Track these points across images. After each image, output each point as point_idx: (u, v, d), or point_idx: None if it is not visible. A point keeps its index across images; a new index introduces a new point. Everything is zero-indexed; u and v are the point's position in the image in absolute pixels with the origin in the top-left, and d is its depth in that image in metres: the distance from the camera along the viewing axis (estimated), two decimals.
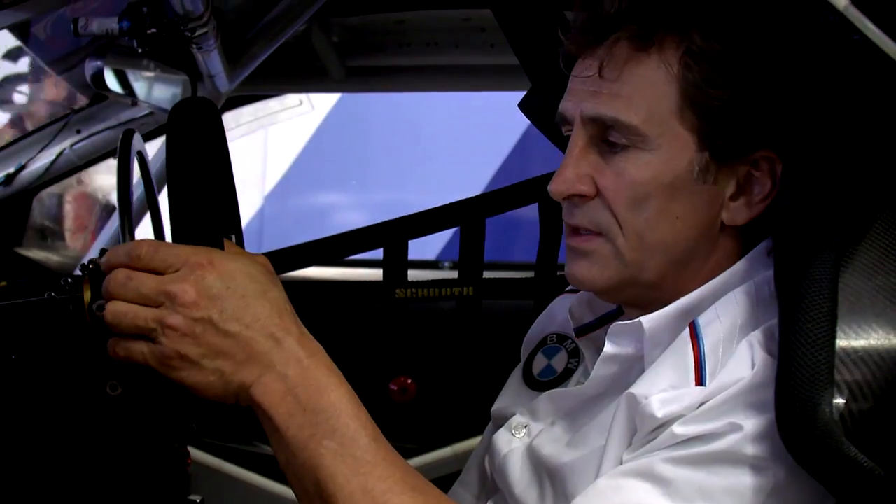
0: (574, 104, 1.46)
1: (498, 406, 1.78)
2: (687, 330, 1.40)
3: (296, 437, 1.26)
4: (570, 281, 1.53)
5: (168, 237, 1.43)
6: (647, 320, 1.44)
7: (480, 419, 1.89)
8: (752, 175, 1.43)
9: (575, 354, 1.70)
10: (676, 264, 1.46)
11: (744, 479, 1.25)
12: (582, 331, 1.66)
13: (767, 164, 1.42)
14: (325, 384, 1.28)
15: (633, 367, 1.48)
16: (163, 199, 1.55)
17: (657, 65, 1.40)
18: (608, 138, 1.43)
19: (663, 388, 1.35)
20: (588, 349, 1.64)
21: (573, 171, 1.45)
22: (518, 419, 1.64)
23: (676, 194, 1.41)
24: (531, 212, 2.44)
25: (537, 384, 1.71)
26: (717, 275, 1.46)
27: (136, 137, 1.49)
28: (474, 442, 3.12)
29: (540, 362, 1.75)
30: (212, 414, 1.36)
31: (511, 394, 1.77)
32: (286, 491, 1.30)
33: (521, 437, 1.61)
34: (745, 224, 1.45)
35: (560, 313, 1.76)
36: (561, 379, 1.69)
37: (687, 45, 1.39)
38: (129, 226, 1.40)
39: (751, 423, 1.25)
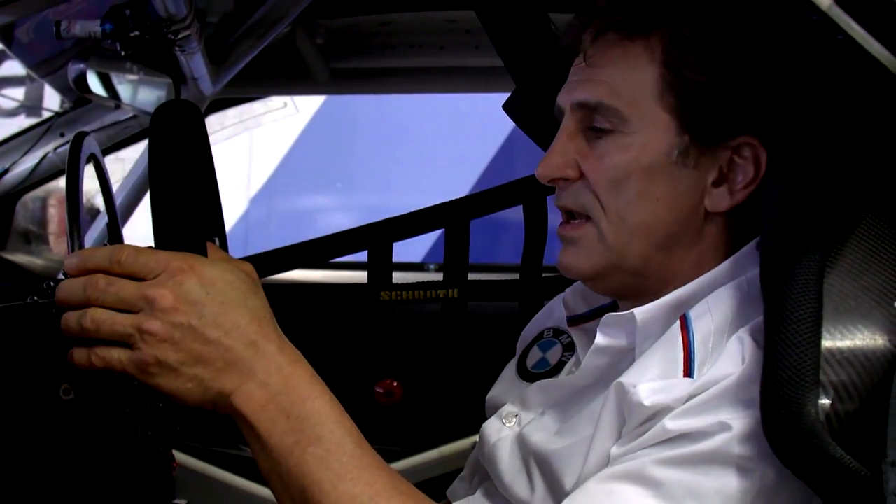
0: (566, 94, 1.51)
1: (491, 395, 1.79)
2: (678, 322, 1.41)
3: (280, 445, 1.26)
4: (560, 270, 1.55)
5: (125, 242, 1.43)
6: (640, 312, 1.45)
7: (467, 421, 1.89)
8: (734, 162, 1.44)
9: (570, 348, 1.70)
10: (659, 250, 1.47)
11: (733, 480, 1.25)
12: (575, 320, 1.66)
13: (751, 151, 1.43)
14: (307, 391, 1.28)
15: (624, 359, 1.48)
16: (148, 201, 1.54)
17: (642, 52, 1.44)
18: (594, 124, 1.47)
19: (652, 378, 1.36)
20: (581, 339, 1.64)
21: (560, 156, 1.49)
22: (509, 408, 1.65)
23: (656, 177, 1.44)
24: (516, 214, 2.44)
25: (530, 376, 1.71)
26: (704, 265, 1.47)
27: (89, 140, 1.48)
28: (461, 444, 3.12)
29: (535, 355, 1.76)
30: (196, 418, 1.35)
31: (505, 384, 1.78)
32: (271, 494, 1.30)
33: (511, 425, 1.61)
34: (728, 212, 1.46)
35: (558, 310, 1.76)
36: (554, 371, 1.69)
37: (672, 32, 1.42)
38: (77, 233, 1.39)
39: (740, 423, 1.25)
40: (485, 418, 1.73)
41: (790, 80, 1.41)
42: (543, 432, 1.53)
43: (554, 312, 1.79)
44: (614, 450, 1.36)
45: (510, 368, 1.80)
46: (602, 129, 1.46)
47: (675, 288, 1.47)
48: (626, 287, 1.54)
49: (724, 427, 1.25)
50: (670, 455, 1.27)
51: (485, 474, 1.69)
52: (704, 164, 1.44)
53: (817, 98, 1.39)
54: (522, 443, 1.55)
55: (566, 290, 1.71)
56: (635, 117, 1.44)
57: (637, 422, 1.34)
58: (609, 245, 1.47)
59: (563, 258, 1.53)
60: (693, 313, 1.40)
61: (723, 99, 1.41)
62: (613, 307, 1.60)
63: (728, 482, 1.25)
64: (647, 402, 1.32)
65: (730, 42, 1.40)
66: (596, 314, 1.61)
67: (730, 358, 1.30)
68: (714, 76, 1.40)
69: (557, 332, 1.75)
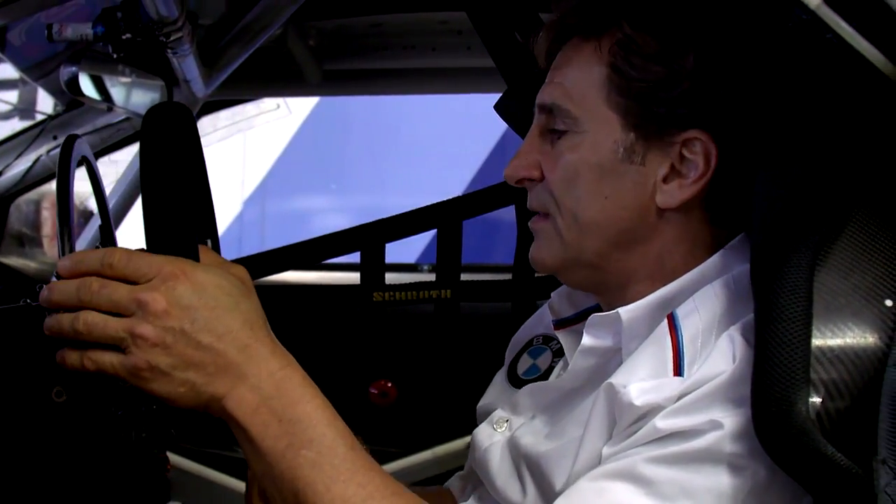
0: (538, 96, 1.54)
1: (482, 403, 1.79)
2: (665, 321, 1.41)
3: (272, 448, 1.26)
4: (531, 263, 1.58)
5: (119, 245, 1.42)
6: (625, 311, 1.45)
7: (461, 421, 1.89)
8: (685, 157, 1.44)
9: (560, 354, 1.69)
10: (615, 246, 1.49)
11: (725, 478, 1.25)
12: (562, 323, 1.66)
13: (701, 146, 1.43)
14: (299, 395, 1.28)
15: (612, 360, 1.49)
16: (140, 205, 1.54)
17: (592, 53, 1.47)
18: (553, 126, 1.50)
19: (642, 378, 1.36)
20: (568, 341, 1.64)
21: (524, 157, 1.53)
22: (499, 413, 1.65)
23: (604, 175, 1.46)
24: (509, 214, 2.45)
25: (520, 382, 1.71)
26: (666, 262, 1.48)
27: (80, 143, 1.47)
28: (455, 444, 3.12)
29: (525, 362, 1.75)
30: (190, 420, 1.35)
31: (495, 392, 1.77)
32: None
33: (501, 431, 1.62)
34: (685, 209, 1.46)
35: (547, 317, 1.76)
36: (544, 376, 1.69)
37: (619, 34, 1.44)
38: (68, 236, 1.39)
39: (731, 421, 1.25)
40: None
41: (739, 76, 1.42)
42: (533, 436, 1.53)
43: (543, 319, 1.79)
44: (605, 450, 1.36)
45: (500, 376, 1.79)
46: (559, 131, 1.49)
47: (637, 283, 1.49)
48: (590, 282, 1.56)
49: (716, 425, 1.25)
50: (662, 453, 1.28)
51: (477, 480, 1.69)
52: (653, 160, 1.44)
53: (804, 98, 1.39)
54: (513, 447, 1.55)
55: (552, 295, 1.71)
56: (584, 117, 1.46)
57: (628, 422, 1.34)
58: (565, 241, 1.50)
59: (531, 252, 1.57)
60: (680, 312, 1.40)
61: (666, 96, 1.42)
62: (599, 308, 1.60)
63: (719, 480, 1.25)
64: (637, 402, 1.32)
65: (673, 41, 1.42)
66: (582, 316, 1.61)
67: (721, 356, 1.30)
68: (656, 74, 1.41)
69: (547, 339, 1.75)
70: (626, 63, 1.43)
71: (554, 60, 1.54)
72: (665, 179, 1.45)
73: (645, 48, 1.42)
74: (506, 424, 1.62)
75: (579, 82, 1.47)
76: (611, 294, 1.52)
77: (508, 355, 1.81)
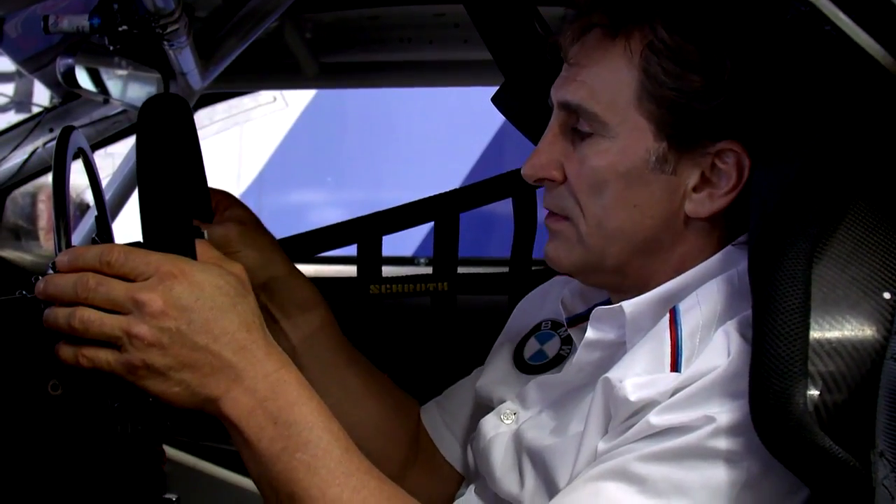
0: (554, 90, 1.50)
1: (483, 383, 1.78)
2: (667, 316, 1.41)
3: (267, 451, 1.27)
4: (545, 259, 1.57)
5: (115, 240, 1.42)
6: (629, 305, 1.46)
7: None
8: (717, 167, 1.43)
9: (568, 342, 1.70)
10: (638, 253, 1.48)
11: (718, 473, 1.25)
12: (574, 321, 1.66)
13: (734, 157, 1.42)
14: (295, 397, 1.29)
15: (616, 354, 1.48)
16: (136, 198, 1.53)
17: (622, 54, 1.42)
18: (577, 126, 1.46)
19: (638, 373, 1.36)
20: (579, 338, 1.63)
21: (545, 156, 1.49)
22: (509, 406, 1.65)
23: (633, 182, 1.44)
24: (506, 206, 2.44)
25: (527, 367, 1.72)
26: (688, 266, 1.46)
27: (76, 135, 1.47)
28: None
29: (532, 346, 1.75)
30: (187, 414, 1.35)
31: (497, 374, 1.77)
32: None
33: (509, 423, 1.62)
34: (711, 217, 1.45)
35: (551, 300, 1.77)
36: (551, 364, 1.69)
37: (651, 36, 1.40)
38: (64, 229, 1.38)
39: (725, 416, 1.25)
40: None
41: (772, 84, 1.40)
42: (539, 430, 1.53)
43: (547, 302, 1.79)
44: (601, 445, 1.36)
45: (503, 357, 1.79)
46: (583, 132, 1.45)
47: (656, 286, 1.47)
48: (608, 283, 1.56)
49: (709, 420, 1.25)
50: (654, 450, 1.28)
51: (475, 473, 1.69)
52: (684, 169, 1.43)
53: (803, 92, 1.38)
54: (517, 440, 1.56)
55: (564, 291, 1.71)
56: (614, 122, 1.43)
57: (623, 417, 1.34)
58: (588, 246, 1.48)
59: (547, 249, 1.54)
60: (682, 306, 1.40)
61: (701, 107, 1.39)
62: (608, 303, 1.60)
63: (713, 475, 1.25)
64: (632, 398, 1.32)
65: (710, 49, 1.39)
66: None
67: (716, 351, 1.30)
68: (692, 85, 1.39)
69: (556, 325, 1.75)
70: (660, 70, 1.40)
71: (572, 54, 1.49)
72: (695, 188, 1.44)
73: (681, 55, 1.39)
74: (513, 417, 1.62)
75: (608, 85, 1.43)
76: (628, 296, 1.50)
77: (511, 336, 1.81)
